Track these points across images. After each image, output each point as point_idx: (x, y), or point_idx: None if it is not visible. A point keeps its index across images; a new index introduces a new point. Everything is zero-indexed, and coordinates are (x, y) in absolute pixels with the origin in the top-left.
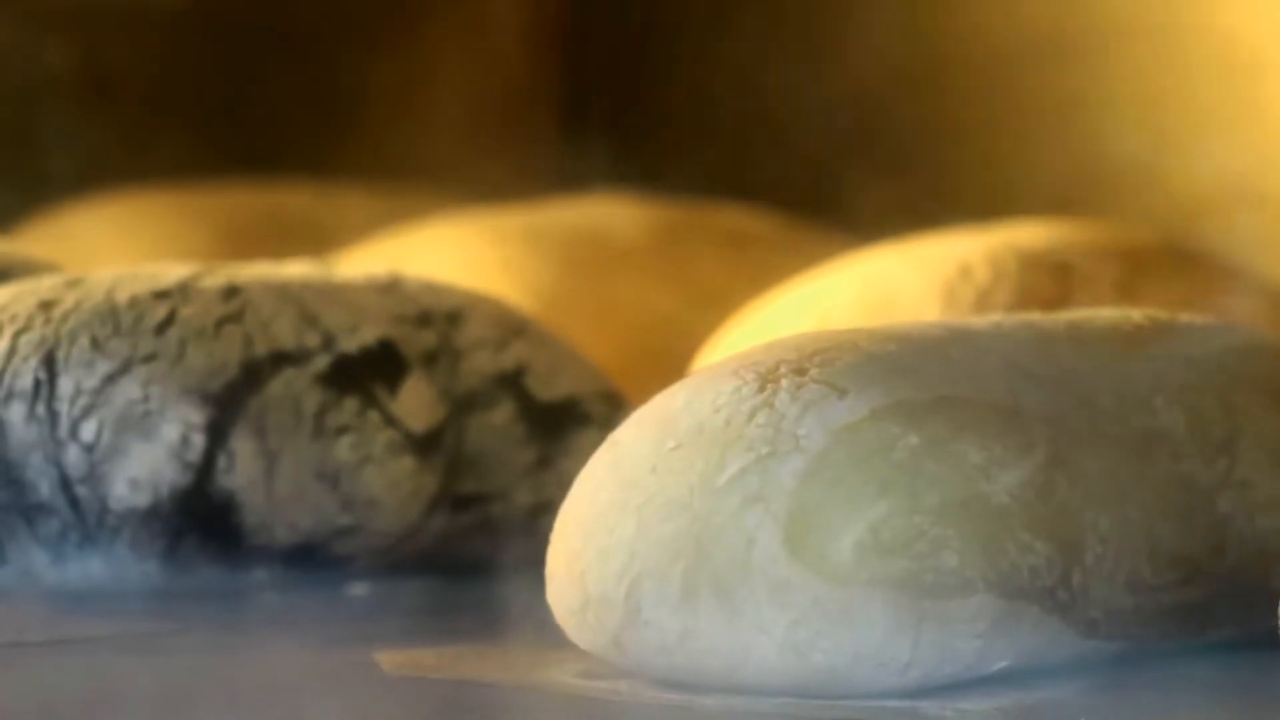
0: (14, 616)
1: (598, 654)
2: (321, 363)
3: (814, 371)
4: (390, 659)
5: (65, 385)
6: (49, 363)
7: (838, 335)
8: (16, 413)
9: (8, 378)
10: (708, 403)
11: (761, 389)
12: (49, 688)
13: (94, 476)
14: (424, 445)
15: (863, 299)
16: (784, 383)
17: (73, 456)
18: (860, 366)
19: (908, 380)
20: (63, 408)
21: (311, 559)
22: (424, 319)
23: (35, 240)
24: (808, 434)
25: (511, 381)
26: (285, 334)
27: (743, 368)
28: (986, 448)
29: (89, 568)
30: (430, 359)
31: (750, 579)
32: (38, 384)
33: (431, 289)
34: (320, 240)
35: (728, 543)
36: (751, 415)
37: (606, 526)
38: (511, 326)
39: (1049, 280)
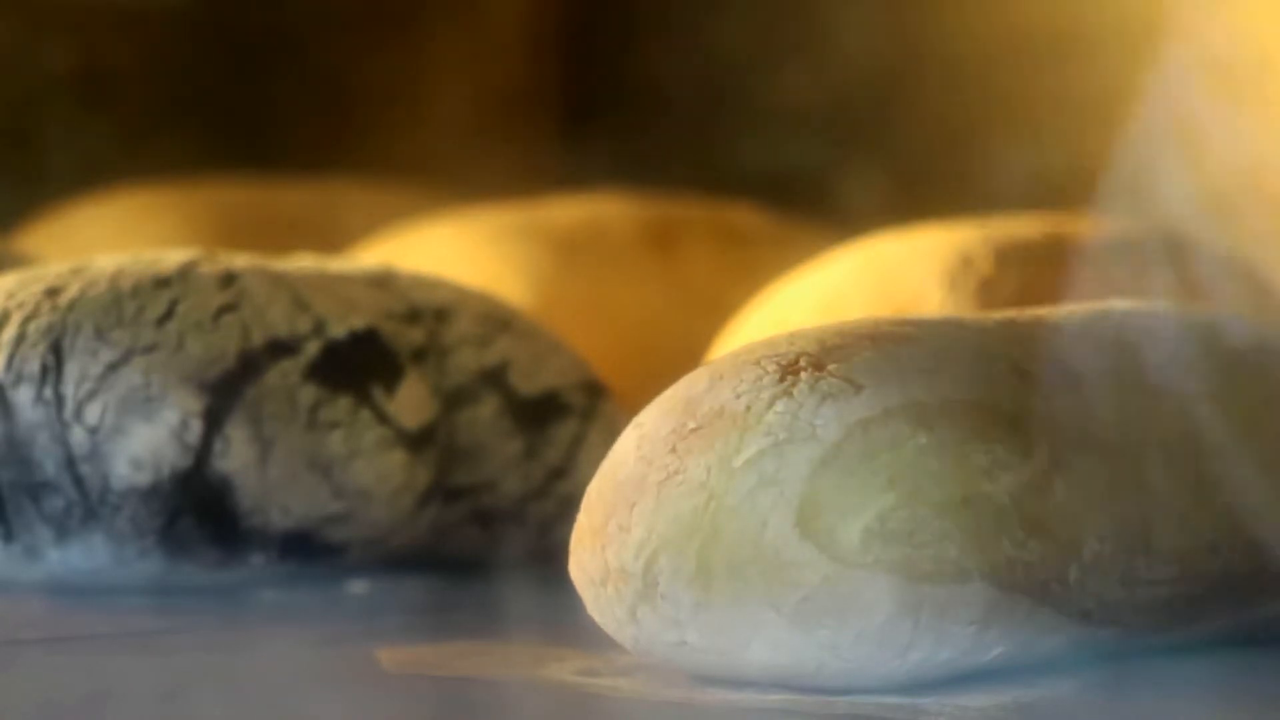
0: (13, 614)
1: (612, 629)
2: (313, 349)
3: (833, 366)
4: (391, 656)
5: (71, 370)
6: (56, 349)
7: (858, 329)
8: (25, 395)
9: (17, 362)
10: (729, 388)
11: (782, 379)
12: (48, 685)
13: (97, 456)
14: (416, 441)
15: (868, 287)
16: (803, 375)
17: (77, 437)
18: (877, 364)
19: (920, 381)
20: (69, 391)
21: (307, 546)
22: (413, 315)
23: (36, 239)
24: (824, 424)
25: (495, 377)
26: (279, 320)
27: (765, 358)
28: (990, 450)
29: (91, 545)
30: (419, 356)
31: (762, 557)
32: (45, 369)
33: (421, 284)
34: (321, 238)
35: (742, 522)
36: (771, 403)
37: (627, 502)
38: (496, 322)
39: (1049, 271)
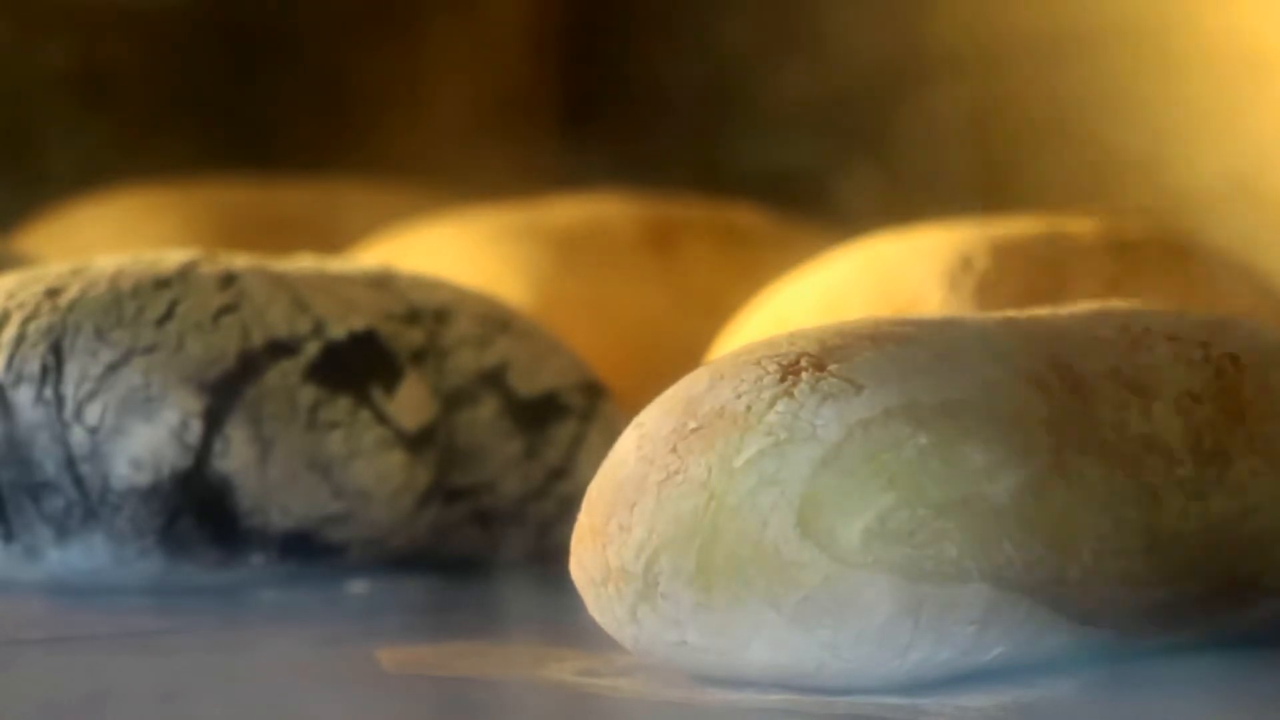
0: (13, 614)
1: (613, 628)
2: (312, 349)
3: (833, 366)
4: (391, 656)
5: (71, 370)
6: (56, 349)
7: (858, 329)
8: (25, 395)
9: (17, 362)
10: (729, 388)
11: (783, 379)
12: (48, 685)
13: (97, 456)
14: (415, 441)
15: (868, 287)
16: (804, 375)
17: (77, 437)
18: (877, 364)
19: (921, 382)
20: (69, 391)
21: (307, 546)
22: (412, 316)
23: (36, 239)
24: (824, 425)
25: (494, 379)
26: (279, 321)
27: (765, 358)
28: (990, 451)
29: (91, 545)
30: (418, 357)
31: (763, 557)
32: (45, 369)
33: (420, 285)
34: (321, 238)
35: (743, 522)
36: (771, 403)
37: (628, 502)
38: (495, 323)
39: (1047, 272)
